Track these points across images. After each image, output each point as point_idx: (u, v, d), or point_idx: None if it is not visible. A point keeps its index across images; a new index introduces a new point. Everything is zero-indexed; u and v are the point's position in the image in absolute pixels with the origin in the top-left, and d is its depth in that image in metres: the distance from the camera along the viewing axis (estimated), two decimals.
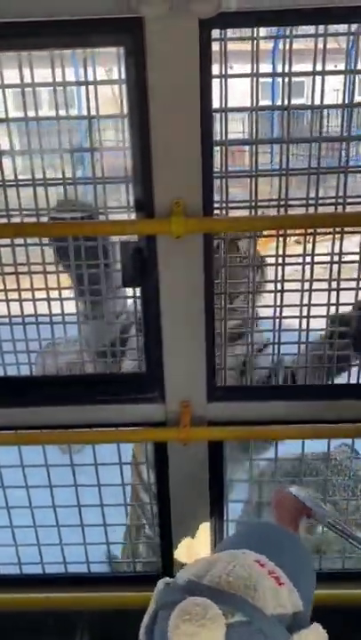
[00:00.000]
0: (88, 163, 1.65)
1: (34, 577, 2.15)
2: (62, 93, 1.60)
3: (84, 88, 1.56)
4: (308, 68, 1.52)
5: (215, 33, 1.47)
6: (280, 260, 1.69)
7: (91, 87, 1.56)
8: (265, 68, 1.59)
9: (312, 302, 1.74)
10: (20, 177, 1.69)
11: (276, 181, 1.65)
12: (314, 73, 1.55)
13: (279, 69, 1.57)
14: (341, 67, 1.70)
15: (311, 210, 1.66)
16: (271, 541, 0.85)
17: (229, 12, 1.37)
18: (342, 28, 1.56)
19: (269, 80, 1.96)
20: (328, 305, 1.76)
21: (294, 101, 1.59)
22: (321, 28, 1.50)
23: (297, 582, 0.77)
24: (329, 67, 1.55)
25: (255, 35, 1.49)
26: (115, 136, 1.64)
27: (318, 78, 1.54)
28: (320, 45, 1.50)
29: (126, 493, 2.13)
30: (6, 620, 2.08)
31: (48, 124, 1.65)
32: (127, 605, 1.91)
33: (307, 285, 1.72)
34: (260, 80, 1.54)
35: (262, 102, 1.60)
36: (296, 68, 1.55)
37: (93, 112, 1.61)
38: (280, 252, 1.69)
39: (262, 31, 1.55)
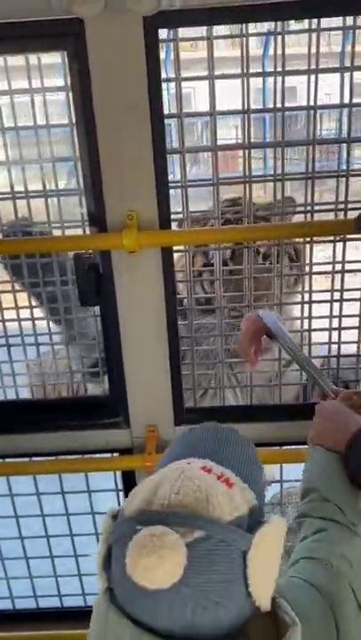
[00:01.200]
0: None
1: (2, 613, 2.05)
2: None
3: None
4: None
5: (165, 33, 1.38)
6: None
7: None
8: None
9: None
10: None
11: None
12: (275, 73, 1.46)
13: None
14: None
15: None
16: (213, 440, 0.82)
17: (176, 10, 1.27)
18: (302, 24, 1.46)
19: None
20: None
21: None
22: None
23: (246, 476, 0.75)
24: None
25: (210, 34, 1.40)
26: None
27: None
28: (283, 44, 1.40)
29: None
30: None
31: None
32: None
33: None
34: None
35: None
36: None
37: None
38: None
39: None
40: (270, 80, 1.47)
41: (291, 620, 0.71)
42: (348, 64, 1.47)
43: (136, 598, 0.66)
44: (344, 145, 1.53)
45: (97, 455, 1.76)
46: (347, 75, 1.48)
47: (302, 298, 1.71)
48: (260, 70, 1.48)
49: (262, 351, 1.43)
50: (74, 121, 1.45)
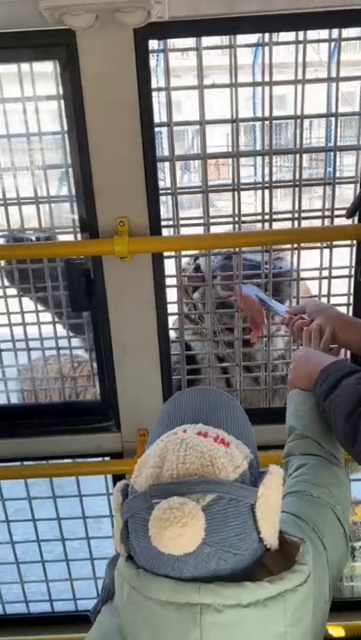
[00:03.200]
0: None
1: None
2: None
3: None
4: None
5: (155, 44, 1.41)
6: None
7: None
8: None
9: None
10: None
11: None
12: (263, 83, 1.48)
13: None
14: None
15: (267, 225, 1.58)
16: (202, 403, 0.87)
17: (165, 21, 1.30)
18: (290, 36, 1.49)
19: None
20: None
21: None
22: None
23: (238, 433, 0.80)
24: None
25: (199, 45, 1.43)
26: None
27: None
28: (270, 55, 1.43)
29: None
30: None
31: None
32: None
33: None
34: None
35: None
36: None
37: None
38: None
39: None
40: (260, 88, 1.50)
41: (299, 539, 0.79)
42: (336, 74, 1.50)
43: (161, 564, 0.71)
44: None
45: (88, 459, 1.77)
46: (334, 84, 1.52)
47: (290, 303, 1.74)
48: (250, 80, 1.49)
49: (263, 320, 1.64)
50: (65, 128, 1.47)
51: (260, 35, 1.48)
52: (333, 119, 1.54)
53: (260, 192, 1.60)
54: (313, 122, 1.59)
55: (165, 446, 0.76)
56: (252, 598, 0.70)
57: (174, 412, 0.86)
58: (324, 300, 1.66)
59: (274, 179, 1.55)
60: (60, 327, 1.78)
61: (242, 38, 1.52)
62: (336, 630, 1.73)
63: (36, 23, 1.31)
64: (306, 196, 1.61)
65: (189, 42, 1.50)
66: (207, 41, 1.45)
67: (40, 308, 1.76)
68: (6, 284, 1.74)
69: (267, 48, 1.44)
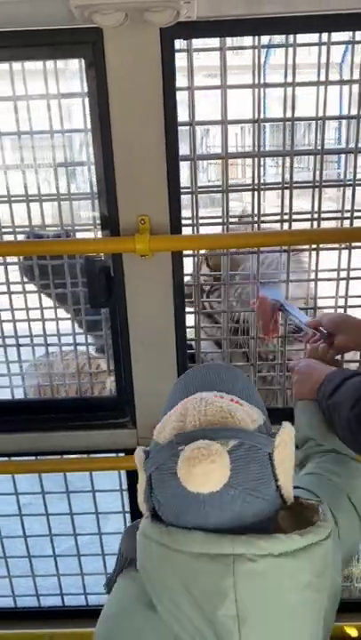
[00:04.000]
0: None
1: (5, 610, 2.06)
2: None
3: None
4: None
5: (181, 44, 1.41)
6: None
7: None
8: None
9: None
10: None
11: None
12: (285, 84, 1.49)
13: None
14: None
15: (286, 225, 1.59)
16: (212, 375, 0.90)
17: (192, 21, 1.31)
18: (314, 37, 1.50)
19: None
20: None
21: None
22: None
23: (248, 399, 0.85)
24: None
25: (223, 45, 1.44)
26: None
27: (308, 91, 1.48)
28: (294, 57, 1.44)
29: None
30: None
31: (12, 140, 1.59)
32: None
33: None
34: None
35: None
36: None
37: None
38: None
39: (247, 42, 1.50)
40: (269, 89, 1.51)
41: (316, 501, 0.85)
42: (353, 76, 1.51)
43: (189, 508, 0.75)
44: (350, 155, 1.56)
45: (102, 455, 1.78)
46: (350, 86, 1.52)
47: (306, 303, 1.75)
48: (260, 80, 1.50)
49: (278, 324, 1.62)
50: (89, 126, 1.48)
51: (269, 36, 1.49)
52: (355, 121, 1.55)
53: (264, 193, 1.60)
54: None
55: (185, 405, 0.81)
56: (283, 549, 0.74)
57: (188, 384, 0.90)
58: (341, 300, 1.67)
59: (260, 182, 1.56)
60: (69, 324, 1.79)
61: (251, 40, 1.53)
62: (350, 630, 1.75)
63: (62, 21, 1.33)
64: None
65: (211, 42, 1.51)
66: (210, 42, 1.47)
67: (49, 304, 1.77)
68: (22, 279, 1.75)
69: (290, 50, 1.45)
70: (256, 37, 1.44)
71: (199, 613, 0.75)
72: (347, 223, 1.59)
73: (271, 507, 0.79)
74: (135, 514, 1.84)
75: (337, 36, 1.46)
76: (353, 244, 1.59)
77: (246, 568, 0.73)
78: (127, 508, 1.90)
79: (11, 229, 1.66)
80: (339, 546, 0.95)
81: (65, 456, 1.79)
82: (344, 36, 1.52)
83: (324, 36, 1.43)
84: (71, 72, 1.50)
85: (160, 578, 0.79)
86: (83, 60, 1.41)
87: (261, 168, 1.59)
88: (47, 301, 1.76)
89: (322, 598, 0.82)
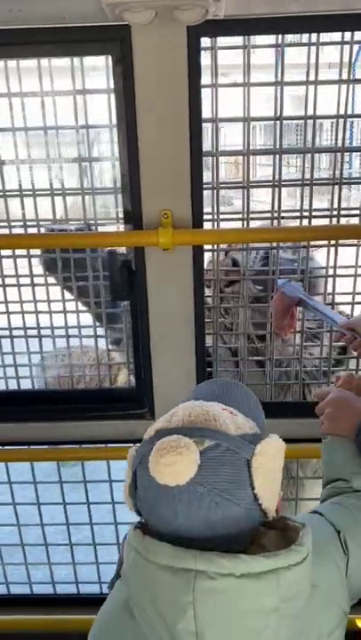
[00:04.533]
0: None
1: (22, 597, 2.10)
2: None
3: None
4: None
5: (206, 42, 1.44)
6: None
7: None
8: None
9: None
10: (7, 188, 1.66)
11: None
12: (307, 82, 1.51)
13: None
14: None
15: (305, 222, 1.62)
16: (219, 388, 0.94)
17: (218, 19, 1.34)
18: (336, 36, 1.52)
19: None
20: None
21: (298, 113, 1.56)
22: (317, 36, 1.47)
23: (247, 414, 0.87)
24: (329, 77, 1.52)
25: (247, 43, 1.46)
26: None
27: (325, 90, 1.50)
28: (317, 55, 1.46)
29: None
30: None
31: (38, 135, 1.62)
32: None
33: None
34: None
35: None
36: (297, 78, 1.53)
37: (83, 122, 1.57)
38: None
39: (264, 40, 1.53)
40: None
41: (300, 524, 0.83)
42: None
43: (159, 502, 0.77)
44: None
45: (120, 445, 1.81)
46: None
47: (324, 300, 1.77)
48: (269, 78, 1.53)
49: (295, 321, 1.61)
50: (114, 122, 1.52)
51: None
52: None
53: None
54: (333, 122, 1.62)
55: (177, 408, 0.86)
56: (245, 570, 0.74)
57: (196, 394, 0.93)
58: (358, 297, 1.69)
59: (294, 177, 1.58)
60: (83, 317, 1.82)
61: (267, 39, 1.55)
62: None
63: (91, 19, 1.36)
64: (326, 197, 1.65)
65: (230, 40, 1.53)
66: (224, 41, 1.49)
67: (70, 297, 1.80)
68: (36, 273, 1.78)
69: (313, 49, 1.48)
70: (279, 36, 1.47)
71: (163, 624, 0.77)
72: None
73: (247, 517, 0.78)
74: None
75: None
76: None
77: (206, 585, 0.73)
78: None
79: (34, 223, 1.69)
80: (345, 576, 0.92)
81: (83, 445, 1.83)
82: None
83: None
84: (88, 69, 1.52)
85: (134, 584, 0.81)
86: (110, 57, 1.44)
87: (273, 167, 1.61)
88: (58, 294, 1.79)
89: (297, 622, 0.80)
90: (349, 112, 1.55)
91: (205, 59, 1.45)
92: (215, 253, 1.70)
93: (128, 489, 0.84)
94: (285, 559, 0.76)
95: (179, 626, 0.75)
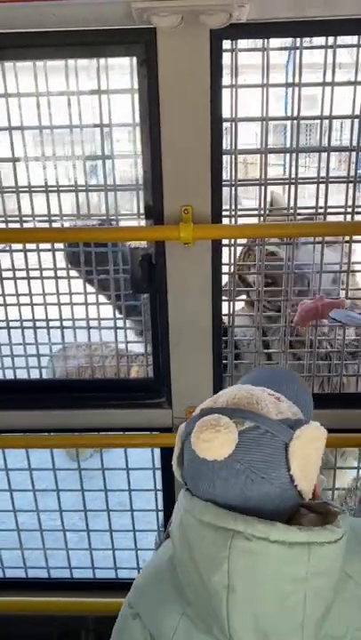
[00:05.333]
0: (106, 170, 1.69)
1: (39, 581, 2.17)
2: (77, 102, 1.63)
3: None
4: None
5: (226, 44, 1.50)
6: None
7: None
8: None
9: None
10: (33, 184, 1.72)
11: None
12: (324, 84, 1.57)
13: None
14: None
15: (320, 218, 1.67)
16: (270, 373, 1.01)
17: (240, 23, 1.39)
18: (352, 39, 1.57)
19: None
20: None
21: (312, 113, 1.61)
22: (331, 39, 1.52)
23: (293, 398, 0.92)
24: (344, 78, 1.58)
25: (265, 45, 1.52)
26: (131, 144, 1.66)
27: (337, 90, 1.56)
28: (334, 58, 1.52)
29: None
30: (11, 622, 2.09)
31: (63, 133, 1.69)
32: None
33: None
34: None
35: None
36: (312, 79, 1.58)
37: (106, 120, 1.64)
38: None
39: (276, 43, 1.59)
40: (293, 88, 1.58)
41: (340, 510, 0.87)
42: None
43: (200, 474, 0.85)
44: None
45: (138, 433, 1.88)
46: None
47: (346, 294, 1.82)
48: (281, 78, 1.59)
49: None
50: (137, 121, 1.58)
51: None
52: None
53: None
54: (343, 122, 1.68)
55: (223, 391, 0.92)
56: (279, 537, 0.80)
57: (244, 380, 0.99)
58: None
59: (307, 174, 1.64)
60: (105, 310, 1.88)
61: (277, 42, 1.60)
62: None
63: (117, 22, 1.42)
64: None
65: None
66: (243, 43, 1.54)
67: (91, 290, 1.86)
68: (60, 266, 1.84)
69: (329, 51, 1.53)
70: (298, 39, 1.53)
71: (199, 577, 0.84)
72: None
73: (282, 495, 0.83)
74: (167, 492, 1.93)
75: None
76: None
77: (241, 545, 0.80)
78: (159, 487, 1.99)
79: (58, 217, 1.76)
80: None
81: (102, 433, 1.89)
82: None
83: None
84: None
85: (178, 539, 0.89)
86: (135, 59, 1.51)
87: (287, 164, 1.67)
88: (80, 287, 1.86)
89: (323, 602, 0.84)
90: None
91: (224, 59, 1.51)
92: (230, 248, 1.76)
93: (176, 459, 0.92)
94: (319, 535, 0.81)
95: (214, 578, 0.82)
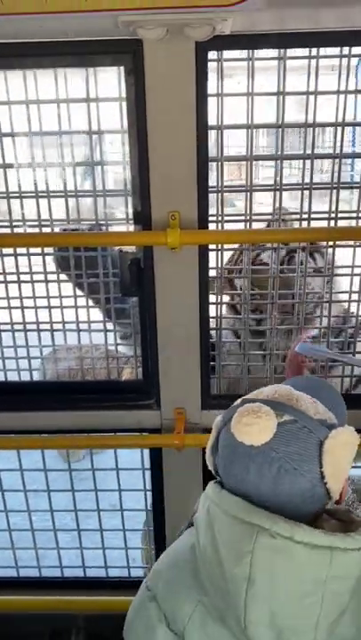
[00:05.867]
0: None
1: (31, 580, 2.20)
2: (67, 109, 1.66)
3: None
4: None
5: (212, 54, 1.54)
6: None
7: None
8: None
9: None
10: (23, 189, 1.76)
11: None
12: (308, 93, 1.61)
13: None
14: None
15: (305, 224, 1.71)
16: (307, 381, 1.05)
17: (225, 35, 1.43)
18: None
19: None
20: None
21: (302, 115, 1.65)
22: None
23: (329, 405, 0.95)
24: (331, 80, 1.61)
25: (251, 56, 1.56)
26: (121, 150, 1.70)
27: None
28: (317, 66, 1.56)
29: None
30: (3, 621, 2.11)
31: (53, 139, 1.72)
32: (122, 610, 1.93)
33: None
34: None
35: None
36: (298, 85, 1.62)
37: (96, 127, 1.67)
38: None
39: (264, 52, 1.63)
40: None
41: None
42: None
43: (236, 458, 0.88)
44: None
45: (128, 434, 1.91)
46: None
47: (322, 297, 1.87)
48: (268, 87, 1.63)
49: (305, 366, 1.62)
50: (125, 128, 1.61)
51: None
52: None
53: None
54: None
55: (265, 387, 0.97)
56: (303, 538, 0.82)
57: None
58: (354, 295, 1.79)
59: (297, 178, 1.68)
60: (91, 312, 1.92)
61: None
62: None
63: (106, 33, 1.46)
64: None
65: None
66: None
67: (80, 293, 1.90)
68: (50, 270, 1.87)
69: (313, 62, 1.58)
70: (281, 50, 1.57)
71: (220, 568, 0.87)
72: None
73: (311, 491, 0.85)
74: (156, 492, 1.97)
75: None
76: None
77: (266, 541, 0.83)
78: (148, 487, 2.02)
79: (48, 223, 1.79)
80: None
81: (92, 434, 1.92)
82: None
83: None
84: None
85: (203, 529, 0.92)
86: (122, 68, 1.54)
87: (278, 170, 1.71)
88: (69, 291, 1.89)
89: (338, 607, 0.86)
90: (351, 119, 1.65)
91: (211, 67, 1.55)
92: (217, 253, 1.80)
93: (210, 448, 0.96)
94: (342, 541, 0.84)
95: (235, 570, 0.85)
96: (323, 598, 0.84)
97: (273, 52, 1.64)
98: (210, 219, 1.69)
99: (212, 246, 1.73)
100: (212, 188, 1.67)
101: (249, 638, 0.86)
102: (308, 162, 1.68)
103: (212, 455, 0.95)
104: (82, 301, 1.88)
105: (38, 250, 1.80)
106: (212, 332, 1.85)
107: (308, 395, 0.94)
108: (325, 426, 0.89)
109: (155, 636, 0.97)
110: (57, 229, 1.81)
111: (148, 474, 2.00)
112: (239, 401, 0.94)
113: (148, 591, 1.02)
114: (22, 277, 1.84)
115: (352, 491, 1.19)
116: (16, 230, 1.76)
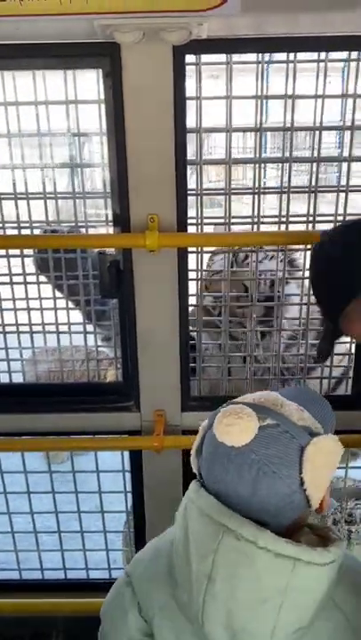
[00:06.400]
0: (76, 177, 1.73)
1: (11, 582, 2.19)
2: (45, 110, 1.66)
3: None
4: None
5: (190, 57, 1.54)
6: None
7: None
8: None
9: None
10: (1, 191, 1.75)
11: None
12: (285, 96, 1.62)
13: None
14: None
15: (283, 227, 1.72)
16: (296, 391, 1.04)
17: (202, 39, 1.44)
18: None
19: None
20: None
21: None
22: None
23: (316, 416, 0.94)
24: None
25: (230, 60, 1.57)
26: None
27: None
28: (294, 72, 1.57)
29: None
30: None
31: (33, 140, 1.72)
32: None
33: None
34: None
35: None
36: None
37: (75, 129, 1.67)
38: None
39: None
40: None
41: (339, 538, 0.91)
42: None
43: (217, 458, 0.89)
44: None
45: (108, 436, 1.91)
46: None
47: (301, 300, 1.89)
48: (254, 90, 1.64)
49: None
50: (104, 130, 1.61)
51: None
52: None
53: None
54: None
55: (254, 393, 0.97)
56: (267, 545, 0.83)
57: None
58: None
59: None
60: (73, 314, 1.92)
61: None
62: None
63: (84, 36, 1.45)
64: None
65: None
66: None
67: (59, 295, 1.89)
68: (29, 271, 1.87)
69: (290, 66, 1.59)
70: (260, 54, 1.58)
71: (187, 562, 0.89)
72: None
73: (289, 497, 0.85)
74: (136, 494, 1.97)
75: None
76: None
77: (230, 542, 0.84)
78: (128, 489, 2.02)
79: (27, 224, 1.78)
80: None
81: (72, 436, 1.92)
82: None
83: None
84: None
85: (178, 524, 0.94)
86: (100, 71, 1.54)
87: (262, 171, 1.72)
88: (49, 293, 1.89)
89: (299, 621, 0.85)
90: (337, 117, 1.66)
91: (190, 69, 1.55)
92: (197, 255, 1.80)
93: (195, 450, 0.96)
94: (307, 554, 0.83)
95: (199, 566, 0.87)
96: (281, 607, 0.84)
97: (253, 56, 1.65)
98: (190, 221, 1.70)
99: (191, 249, 1.74)
100: (191, 190, 1.68)
101: (206, 636, 0.88)
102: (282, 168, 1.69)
103: (196, 457, 0.96)
104: (62, 303, 1.88)
105: (17, 251, 1.80)
106: (193, 334, 1.85)
107: (295, 403, 0.94)
108: (309, 432, 0.89)
109: (126, 619, 1.02)
110: (37, 231, 1.81)
111: (128, 476, 2.00)
112: (226, 403, 0.95)
113: (126, 577, 1.06)
114: (1, 279, 1.83)
115: (338, 505, 1.21)
116: None
